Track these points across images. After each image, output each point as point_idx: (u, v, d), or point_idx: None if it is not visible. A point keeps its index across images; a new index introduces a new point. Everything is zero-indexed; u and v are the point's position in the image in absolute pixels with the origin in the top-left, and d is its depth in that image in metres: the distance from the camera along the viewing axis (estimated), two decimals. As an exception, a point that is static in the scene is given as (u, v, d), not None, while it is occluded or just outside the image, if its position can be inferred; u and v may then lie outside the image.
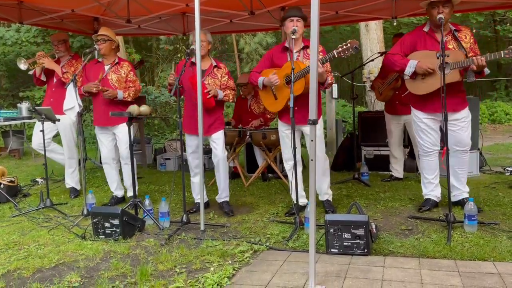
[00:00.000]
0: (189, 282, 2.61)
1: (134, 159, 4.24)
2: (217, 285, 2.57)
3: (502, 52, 3.45)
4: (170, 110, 12.48)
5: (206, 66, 4.09)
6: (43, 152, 4.65)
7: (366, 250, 2.93)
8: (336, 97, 8.30)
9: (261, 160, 5.76)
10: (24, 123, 9.23)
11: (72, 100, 4.18)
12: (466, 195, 3.95)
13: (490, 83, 15.92)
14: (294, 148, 3.65)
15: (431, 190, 4.01)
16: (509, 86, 15.97)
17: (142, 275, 2.69)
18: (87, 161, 6.44)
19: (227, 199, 4.25)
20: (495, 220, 3.54)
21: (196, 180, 4.21)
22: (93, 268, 2.91)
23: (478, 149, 5.58)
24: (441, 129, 3.87)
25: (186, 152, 4.28)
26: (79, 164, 5.06)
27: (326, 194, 4.07)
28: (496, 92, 15.75)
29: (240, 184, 5.53)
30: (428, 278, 2.56)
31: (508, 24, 15.64)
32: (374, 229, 3.15)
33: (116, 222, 3.41)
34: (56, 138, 5.25)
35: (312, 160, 2.45)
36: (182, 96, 3.94)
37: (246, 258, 2.98)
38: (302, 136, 4.06)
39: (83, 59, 4.36)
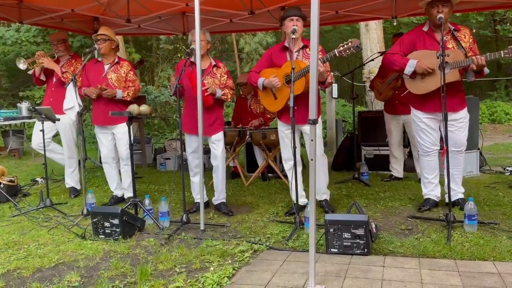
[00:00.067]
0: (189, 282, 2.61)
1: (133, 158, 4.24)
2: (217, 284, 2.57)
3: (502, 51, 3.45)
4: (170, 110, 12.48)
5: (206, 65, 4.09)
6: (42, 152, 4.65)
7: (366, 249, 2.93)
8: (336, 96, 8.30)
9: (261, 159, 5.76)
10: (24, 122, 9.23)
11: (72, 100, 4.18)
12: (461, 196, 3.95)
13: (490, 83, 15.92)
14: (294, 147, 3.65)
15: (431, 190, 4.01)
16: (509, 86, 15.98)
17: (142, 275, 2.69)
18: (87, 161, 6.44)
19: (224, 200, 4.25)
20: (495, 220, 3.54)
21: (196, 180, 4.21)
22: (93, 268, 2.91)
23: (478, 149, 5.58)
24: (440, 129, 3.88)
25: (186, 151, 4.28)
26: (79, 164, 5.05)
27: (325, 193, 4.07)
28: (496, 92, 15.75)
29: (240, 183, 5.52)
30: (428, 277, 2.56)
31: (508, 24, 15.65)
32: (374, 229, 3.15)
33: (116, 221, 3.41)
34: (56, 138, 5.25)
35: (312, 160, 2.45)
36: (182, 96, 3.94)
37: (246, 257, 2.98)
38: (301, 136, 4.06)
39: (83, 58, 4.36)
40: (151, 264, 2.90)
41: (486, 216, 3.66)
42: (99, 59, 4.61)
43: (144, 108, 4.12)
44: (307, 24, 3.09)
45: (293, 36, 3.69)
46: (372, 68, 8.08)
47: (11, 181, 5.07)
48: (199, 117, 3.55)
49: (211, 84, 4.05)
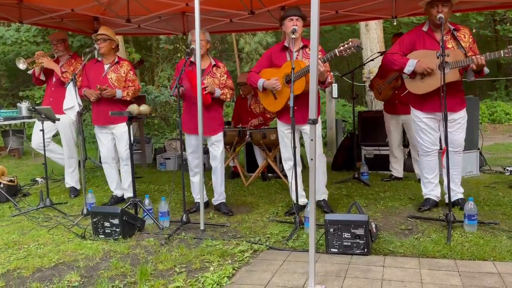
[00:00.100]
0: (189, 282, 2.61)
1: (133, 158, 4.24)
2: (217, 284, 2.57)
3: (501, 51, 3.46)
4: (170, 110, 12.48)
5: (205, 65, 4.09)
6: (42, 152, 4.65)
7: (366, 249, 2.93)
8: (336, 96, 8.30)
9: (261, 159, 5.76)
10: (24, 122, 9.23)
11: (72, 100, 4.17)
12: (460, 196, 3.95)
13: (490, 82, 15.92)
14: (294, 147, 3.65)
15: (431, 189, 4.01)
16: (509, 86, 15.98)
17: (142, 275, 2.69)
18: (87, 161, 6.44)
19: (223, 200, 4.25)
20: (495, 219, 3.54)
21: (196, 179, 4.20)
22: (92, 268, 2.90)
23: (478, 149, 5.58)
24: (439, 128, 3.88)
25: (186, 151, 4.27)
26: (79, 163, 5.05)
27: (324, 193, 4.07)
28: (496, 91, 15.75)
29: (240, 183, 5.52)
30: (428, 277, 2.56)
31: (508, 24, 15.64)
32: (374, 229, 3.15)
33: (116, 221, 3.41)
34: (56, 137, 5.24)
35: (312, 159, 2.45)
36: (182, 96, 3.94)
37: (246, 257, 2.98)
38: (301, 136, 4.06)
39: (83, 58, 4.36)
40: (151, 264, 2.90)
41: (486, 216, 3.66)
42: (99, 59, 4.61)
43: (144, 108, 4.12)
44: (307, 24, 3.09)
45: (293, 36, 3.69)
46: (372, 68, 8.08)
47: (11, 181, 5.07)
48: (199, 117, 3.55)
49: (210, 83, 4.05)
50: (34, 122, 5.35)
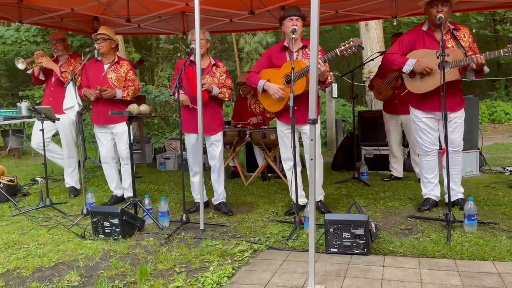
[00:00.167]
0: (189, 282, 2.61)
1: (133, 158, 4.24)
2: (217, 284, 2.57)
3: (501, 50, 3.46)
4: (170, 110, 12.48)
5: (205, 64, 4.08)
6: (42, 151, 4.65)
7: (365, 249, 2.93)
8: (336, 96, 8.30)
9: (260, 159, 5.76)
10: (23, 122, 9.23)
11: (71, 99, 4.17)
12: (461, 196, 3.95)
13: (490, 82, 15.92)
14: (294, 147, 3.65)
15: (431, 189, 4.01)
16: (509, 86, 15.98)
17: (142, 275, 2.69)
18: (87, 161, 6.44)
19: (223, 200, 4.25)
20: (494, 219, 3.54)
21: (196, 179, 4.20)
22: (92, 268, 2.90)
23: (478, 149, 5.58)
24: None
25: (186, 151, 4.27)
26: (79, 163, 5.05)
27: (320, 194, 4.06)
28: (496, 91, 15.75)
29: (239, 183, 5.52)
30: (427, 277, 2.56)
31: (508, 24, 15.65)
32: (373, 229, 3.15)
33: (115, 221, 3.41)
34: (56, 137, 5.24)
35: (312, 159, 2.45)
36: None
37: (245, 257, 2.98)
38: (299, 136, 4.05)
39: (82, 58, 4.36)
40: (150, 264, 2.90)
41: (486, 216, 3.66)
42: (99, 58, 4.60)
43: (143, 107, 4.12)
44: (306, 24, 3.09)
45: (293, 36, 3.68)
46: (372, 68, 8.09)
47: (10, 180, 5.07)
48: (199, 116, 3.55)
49: (210, 82, 4.04)
50: (34, 121, 5.35)
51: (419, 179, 4.52)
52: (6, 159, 8.67)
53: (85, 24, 6.28)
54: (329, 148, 8.19)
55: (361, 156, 6.06)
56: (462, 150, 3.92)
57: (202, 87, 3.87)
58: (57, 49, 5.02)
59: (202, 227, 3.59)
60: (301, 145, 4.03)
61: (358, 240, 2.93)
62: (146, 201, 3.92)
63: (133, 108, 4.04)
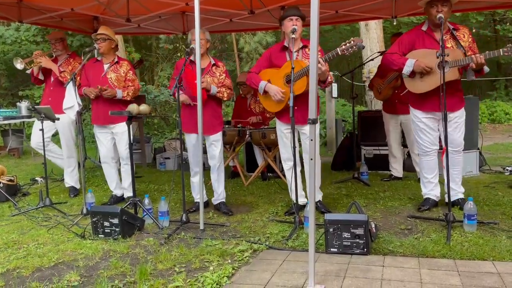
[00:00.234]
0: (189, 282, 2.61)
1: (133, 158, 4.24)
2: (217, 284, 2.57)
3: (501, 50, 3.46)
4: (170, 109, 12.48)
5: (205, 64, 4.08)
6: (41, 151, 4.65)
7: (365, 249, 2.93)
8: (336, 96, 8.30)
9: (260, 159, 5.76)
10: (23, 122, 9.23)
11: (71, 99, 4.17)
12: (461, 196, 3.95)
13: (489, 82, 15.93)
14: (294, 147, 3.64)
15: (431, 189, 4.01)
16: (509, 86, 15.98)
17: (142, 274, 2.69)
18: (87, 160, 6.44)
19: (223, 199, 4.25)
20: (494, 219, 3.54)
21: (196, 179, 4.20)
22: (92, 267, 2.90)
23: (478, 149, 5.58)
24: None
25: (186, 151, 4.27)
26: (79, 163, 5.05)
27: (319, 194, 4.06)
28: (495, 91, 15.76)
29: (239, 183, 5.52)
30: (427, 277, 2.56)
31: (508, 24, 15.65)
32: (373, 229, 3.15)
33: (115, 221, 3.41)
34: (55, 137, 5.24)
35: (312, 159, 2.45)
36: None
37: (245, 257, 2.98)
38: (299, 137, 4.05)
39: (82, 58, 4.36)
40: (150, 264, 2.90)
41: (485, 216, 3.66)
42: (99, 58, 4.60)
43: (143, 107, 4.11)
44: (306, 24, 3.09)
45: (293, 36, 3.68)
46: (372, 67, 8.09)
47: (10, 180, 5.07)
48: (199, 116, 3.55)
49: (209, 82, 4.04)
50: (34, 121, 5.34)
51: (419, 179, 4.52)
52: (6, 158, 8.67)
53: (85, 24, 6.28)
54: (329, 148, 8.19)
55: (361, 156, 6.06)
56: (462, 150, 3.92)
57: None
58: (56, 48, 5.02)
59: (202, 227, 3.59)
60: (300, 145, 4.02)
61: (358, 240, 2.93)
62: (146, 201, 3.92)
63: (133, 108, 4.03)
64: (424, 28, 3.82)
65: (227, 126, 5.60)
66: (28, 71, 5.06)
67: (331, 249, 2.99)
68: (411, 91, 3.88)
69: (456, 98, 3.76)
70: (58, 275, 2.77)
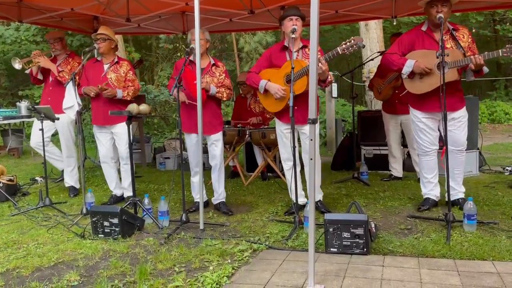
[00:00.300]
0: (188, 281, 2.61)
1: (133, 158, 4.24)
2: (216, 284, 2.57)
3: (500, 50, 3.46)
4: (170, 109, 12.48)
5: (205, 64, 4.08)
6: (41, 151, 4.65)
7: (365, 249, 2.93)
8: (336, 96, 8.30)
9: (260, 159, 5.76)
10: (23, 122, 9.23)
11: (71, 99, 4.17)
12: (461, 195, 3.95)
13: (489, 82, 15.93)
14: (294, 147, 3.64)
15: (430, 189, 4.02)
16: (509, 86, 15.99)
17: (141, 274, 2.69)
18: (87, 160, 6.44)
19: (223, 199, 4.25)
20: (494, 219, 3.54)
21: (196, 179, 4.20)
22: (92, 267, 2.90)
23: (478, 149, 5.58)
24: (439, 128, 3.88)
25: (186, 151, 4.27)
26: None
27: (319, 193, 4.06)
28: (495, 91, 15.76)
29: (239, 183, 5.52)
30: (427, 277, 2.56)
31: (507, 24, 15.65)
32: (373, 229, 3.15)
33: (115, 221, 3.41)
34: (55, 137, 5.24)
35: (311, 159, 2.45)
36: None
37: (245, 257, 2.98)
38: (299, 137, 4.05)
39: (82, 58, 4.36)
40: (150, 264, 2.90)
41: (485, 216, 3.66)
42: (99, 58, 4.60)
43: (143, 107, 4.11)
44: (306, 24, 3.09)
45: (293, 36, 3.68)
46: (371, 67, 8.09)
47: (10, 180, 5.07)
48: (199, 116, 3.54)
49: (209, 82, 4.04)
50: (33, 121, 5.34)
51: (418, 179, 4.52)
52: (6, 158, 8.67)
53: (85, 24, 6.28)
54: (329, 148, 8.19)
55: (361, 156, 6.07)
56: (465, 150, 3.92)
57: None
58: (55, 48, 5.01)
59: (201, 226, 3.59)
60: (300, 145, 4.02)
61: (357, 240, 2.93)
62: (146, 200, 3.92)
63: (133, 107, 4.03)
64: (424, 28, 3.82)
65: (227, 126, 5.60)
66: (27, 71, 5.06)
67: (331, 249, 2.99)
68: (411, 91, 3.88)
69: (456, 98, 3.77)
70: (57, 275, 2.77)
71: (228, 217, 4.01)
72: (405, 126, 5.13)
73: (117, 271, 2.80)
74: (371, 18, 7.22)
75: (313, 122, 2.41)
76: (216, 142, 4.14)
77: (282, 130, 3.98)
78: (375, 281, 2.53)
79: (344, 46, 3.51)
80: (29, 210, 4.34)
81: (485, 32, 15.64)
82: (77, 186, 5.15)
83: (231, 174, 5.98)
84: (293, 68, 3.48)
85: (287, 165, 4.04)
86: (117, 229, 3.41)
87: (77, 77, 4.54)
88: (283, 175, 5.35)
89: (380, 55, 5.52)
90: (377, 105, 7.94)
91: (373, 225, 3.18)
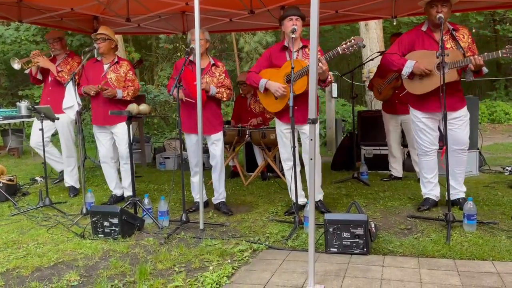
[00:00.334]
0: (188, 281, 2.61)
1: (133, 157, 4.24)
2: (216, 284, 2.57)
3: (499, 51, 3.46)
4: (170, 109, 12.48)
5: (204, 64, 4.08)
6: (41, 151, 4.65)
7: (365, 249, 2.93)
8: (336, 96, 8.30)
9: (260, 159, 5.76)
10: (23, 121, 9.23)
11: (71, 99, 4.17)
12: (462, 195, 3.95)
13: (489, 82, 15.93)
14: (294, 147, 3.64)
15: (430, 189, 4.02)
16: (509, 86, 15.99)
17: (141, 274, 2.69)
18: (87, 160, 6.44)
19: (223, 199, 4.25)
20: (494, 219, 3.54)
21: (196, 179, 4.20)
22: (92, 267, 2.90)
23: (478, 149, 5.59)
24: (439, 128, 3.88)
25: (186, 151, 4.27)
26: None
27: (319, 193, 4.06)
28: (495, 91, 15.76)
29: (239, 183, 5.52)
30: (427, 277, 2.56)
31: (507, 24, 15.65)
32: (373, 228, 3.15)
33: (115, 221, 3.41)
34: (55, 137, 5.23)
35: (311, 159, 2.45)
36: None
37: (245, 257, 2.98)
38: (298, 136, 4.05)
39: (82, 58, 4.35)
40: (150, 264, 2.90)
41: (485, 216, 3.66)
42: (99, 58, 4.60)
43: (143, 107, 4.11)
44: (306, 24, 3.09)
45: (293, 36, 3.68)
46: (371, 67, 8.09)
47: (10, 180, 5.07)
48: (199, 116, 3.54)
49: (209, 83, 4.04)
50: (33, 121, 5.34)
51: (418, 179, 4.52)
52: (6, 158, 8.67)
53: (84, 24, 6.28)
54: (329, 148, 8.19)
55: (361, 156, 6.07)
56: (467, 149, 3.92)
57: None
58: (54, 48, 5.01)
59: (201, 226, 3.59)
60: (300, 145, 4.02)
61: (357, 240, 2.93)
62: (146, 200, 3.92)
63: (133, 107, 4.03)
64: (424, 28, 3.82)
65: (227, 126, 5.60)
66: (27, 71, 5.06)
67: (331, 249, 2.99)
68: (410, 92, 3.89)
69: (456, 98, 3.77)
70: (57, 275, 2.77)
71: (228, 217, 4.01)
72: (406, 125, 5.13)
73: (117, 271, 2.80)
74: (371, 18, 7.22)
75: (313, 122, 2.41)
76: (216, 142, 4.14)
77: (282, 130, 3.98)
78: (375, 281, 2.53)
79: (344, 46, 3.51)
80: (29, 210, 4.34)
81: (485, 32, 15.65)
82: (77, 186, 5.15)
83: (231, 174, 5.98)
84: (293, 68, 3.48)
85: (287, 165, 4.04)
86: (117, 229, 3.41)
87: (76, 77, 4.54)
88: (283, 175, 5.37)
89: (380, 55, 5.52)
90: (377, 105, 7.94)
91: (373, 225, 3.18)
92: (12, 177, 5.14)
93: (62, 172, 5.46)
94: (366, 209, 4.07)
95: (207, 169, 5.51)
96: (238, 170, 5.69)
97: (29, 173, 6.66)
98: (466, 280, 2.50)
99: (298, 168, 3.91)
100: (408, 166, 5.54)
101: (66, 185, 5.17)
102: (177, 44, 14.72)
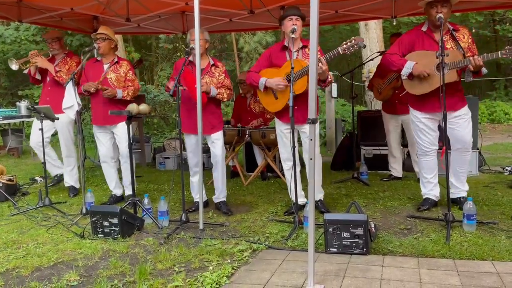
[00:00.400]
0: (188, 281, 2.61)
1: (133, 157, 4.23)
2: (216, 284, 2.57)
3: (499, 52, 3.47)
4: (170, 109, 12.48)
5: (204, 64, 4.07)
6: (41, 151, 4.65)
7: (365, 249, 2.93)
8: (336, 96, 8.30)
9: (260, 159, 5.76)
10: (23, 121, 9.23)
11: (71, 99, 4.17)
12: (464, 194, 3.95)
13: (489, 82, 15.94)
14: (294, 147, 3.64)
15: (430, 189, 4.02)
16: (508, 86, 15.99)
17: (141, 274, 2.69)
18: (86, 160, 6.44)
19: (224, 199, 4.25)
20: (494, 219, 3.54)
21: (195, 179, 4.20)
22: (91, 267, 2.90)
23: (477, 149, 5.59)
24: (439, 128, 3.88)
25: (186, 151, 4.27)
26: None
27: (320, 193, 4.06)
28: (495, 91, 15.77)
29: (239, 183, 5.52)
30: (427, 277, 2.56)
31: (507, 24, 15.65)
32: (373, 228, 3.15)
33: (115, 221, 3.41)
34: (55, 137, 5.23)
35: (311, 159, 2.45)
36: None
37: (245, 257, 2.98)
38: (298, 136, 4.05)
39: (82, 57, 4.35)
40: (150, 264, 2.90)
41: (485, 216, 3.67)
42: (98, 58, 4.60)
43: (143, 107, 4.11)
44: (306, 24, 3.09)
45: (293, 36, 3.68)
46: (371, 67, 8.09)
47: (10, 180, 5.07)
48: (199, 116, 3.54)
49: (208, 83, 4.04)
50: (33, 121, 5.34)
51: (418, 179, 4.53)
52: (5, 158, 8.67)
53: (84, 24, 6.28)
54: (329, 148, 8.19)
55: (361, 156, 6.07)
56: (471, 149, 3.92)
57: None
58: (53, 48, 5.01)
59: (201, 226, 3.59)
60: (300, 145, 4.02)
61: (357, 240, 2.93)
62: (146, 200, 3.92)
63: (133, 107, 4.03)
64: (424, 28, 3.82)
65: (226, 126, 5.60)
66: (25, 71, 5.06)
67: (331, 249, 2.99)
68: (410, 92, 3.89)
69: (456, 98, 3.76)
70: (57, 275, 2.77)
71: (228, 217, 4.01)
72: (406, 124, 5.12)
73: (117, 271, 2.80)
74: (371, 18, 7.22)
75: (313, 122, 2.41)
76: (216, 141, 4.14)
77: (282, 130, 3.98)
78: (374, 281, 2.53)
79: (345, 46, 3.51)
80: (28, 210, 4.34)
81: (485, 32, 15.65)
82: (77, 186, 5.15)
83: (231, 174, 5.98)
84: (293, 68, 3.48)
85: (287, 165, 4.04)
86: (116, 229, 3.41)
87: (76, 77, 4.54)
88: (283, 175, 5.37)
89: (380, 55, 5.52)
90: (377, 105, 7.94)
91: (372, 225, 3.18)
92: (11, 177, 5.14)
93: (56, 176, 5.47)
94: (366, 209, 4.07)
95: (207, 169, 5.51)
96: (238, 170, 5.69)
97: (28, 173, 6.66)
98: (465, 280, 2.50)
99: (298, 168, 3.91)
100: (408, 166, 5.54)
101: (66, 185, 5.17)
102: (177, 44, 14.72)
